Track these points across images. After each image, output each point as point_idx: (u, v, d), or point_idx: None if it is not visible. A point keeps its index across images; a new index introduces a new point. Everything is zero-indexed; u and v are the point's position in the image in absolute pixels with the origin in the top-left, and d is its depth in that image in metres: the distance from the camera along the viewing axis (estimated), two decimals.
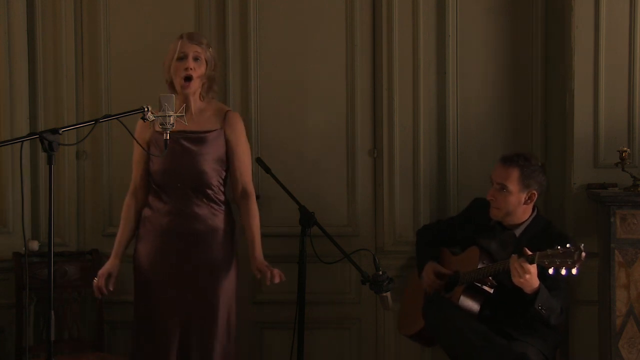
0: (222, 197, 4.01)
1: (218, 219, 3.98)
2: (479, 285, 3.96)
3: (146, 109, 3.30)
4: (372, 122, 4.61)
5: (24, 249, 4.24)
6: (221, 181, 4.01)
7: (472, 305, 3.96)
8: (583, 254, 3.56)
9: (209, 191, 3.96)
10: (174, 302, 3.91)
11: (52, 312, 3.14)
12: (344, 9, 4.58)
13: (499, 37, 4.60)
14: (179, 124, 3.83)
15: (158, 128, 3.41)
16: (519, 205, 4.01)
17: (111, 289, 3.98)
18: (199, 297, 3.93)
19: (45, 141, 3.11)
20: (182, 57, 3.91)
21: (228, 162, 4.01)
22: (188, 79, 3.91)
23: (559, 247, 3.61)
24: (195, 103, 3.98)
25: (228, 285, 3.98)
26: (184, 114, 3.51)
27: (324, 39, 4.60)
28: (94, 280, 3.99)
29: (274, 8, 4.59)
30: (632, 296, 4.21)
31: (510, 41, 4.60)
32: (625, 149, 4.22)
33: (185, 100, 3.95)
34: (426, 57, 4.55)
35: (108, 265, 4.00)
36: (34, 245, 4.54)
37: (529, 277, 3.68)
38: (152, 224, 3.97)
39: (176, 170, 3.92)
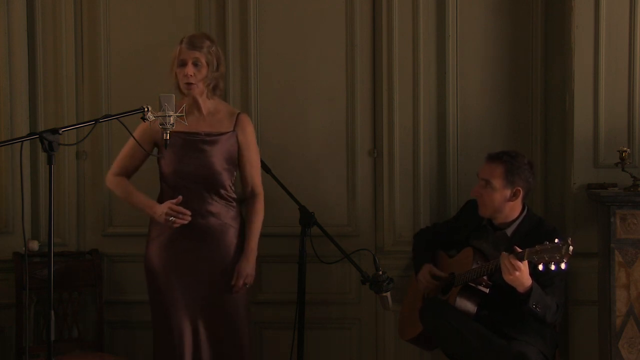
0: (233, 195, 4.06)
1: (230, 216, 4.03)
2: (474, 285, 3.97)
3: (146, 109, 3.31)
4: (372, 122, 4.61)
5: (24, 249, 4.23)
6: (233, 180, 4.06)
7: (468, 306, 3.96)
8: (571, 248, 3.57)
9: (223, 191, 4.01)
10: (191, 299, 3.94)
11: (52, 312, 3.14)
12: (344, 9, 4.58)
13: (499, 37, 4.60)
14: (192, 125, 3.90)
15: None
16: (504, 202, 4.02)
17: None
18: (214, 291, 3.96)
19: (45, 141, 3.11)
20: (182, 64, 3.95)
21: (238, 162, 4.05)
22: (189, 83, 3.95)
23: (547, 243, 3.63)
24: (205, 103, 4.01)
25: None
26: (184, 113, 3.52)
27: (324, 39, 4.60)
28: (166, 218, 3.87)
29: (274, 8, 4.59)
30: (632, 296, 4.21)
31: (510, 41, 4.60)
32: (625, 149, 4.22)
33: (195, 102, 3.99)
34: (426, 57, 4.55)
35: (163, 207, 3.91)
36: (34, 245, 4.54)
37: (519, 274, 3.69)
38: (166, 225, 3.95)
39: (191, 172, 3.96)
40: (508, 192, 4.01)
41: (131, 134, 3.77)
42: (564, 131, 4.53)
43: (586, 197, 4.39)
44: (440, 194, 4.63)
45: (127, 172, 4.06)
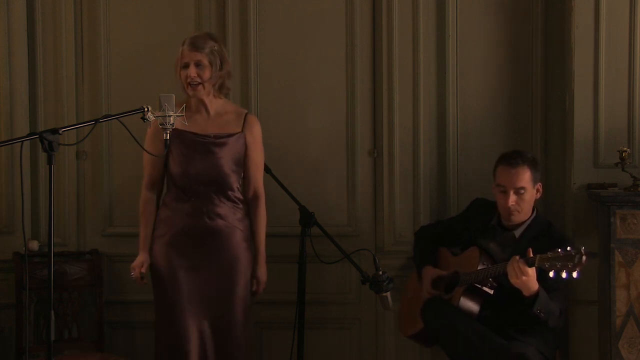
0: (240, 197, 4.06)
1: (237, 217, 4.03)
2: (479, 286, 3.96)
3: (146, 109, 3.31)
4: (372, 122, 4.61)
5: (24, 249, 4.24)
6: (240, 182, 4.06)
7: (472, 306, 3.95)
8: (584, 257, 3.54)
9: (230, 192, 4.01)
10: (196, 299, 3.94)
11: (52, 312, 3.14)
12: (344, 9, 4.58)
13: (499, 37, 4.60)
14: (200, 127, 3.93)
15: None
16: (532, 201, 4.03)
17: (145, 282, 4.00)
18: (220, 292, 3.97)
19: (45, 141, 3.11)
20: (185, 66, 3.95)
21: (244, 162, 4.05)
22: (193, 84, 3.94)
23: (559, 250, 3.60)
24: (212, 104, 4.01)
25: (245, 280, 4.04)
26: (183, 113, 3.52)
27: (324, 39, 4.60)
28: (132, 275, 4.00)
29: (274, 8, 4.59)
30: (632, 296, 4.21)
31: (510, 41, 4.60)
32: (625, 149, 4.22)
33: (202, 102, 3.99)
34: (426, 57, 4.55)
35: (141, 258, 3.99)
36: (34, 245, 4.54)
37: (526, 279, 3.67)
38: (172, 224, 3.98)
39: (199, 173, 3.96)
40: (535, 191, 4.03)
41: (132, 134, 3.77)
42: (564, 131, 4.53)
43: (586, 197, 4.39)
44: (440, 194, 4.63)
45: (155, 181, 4.05)
